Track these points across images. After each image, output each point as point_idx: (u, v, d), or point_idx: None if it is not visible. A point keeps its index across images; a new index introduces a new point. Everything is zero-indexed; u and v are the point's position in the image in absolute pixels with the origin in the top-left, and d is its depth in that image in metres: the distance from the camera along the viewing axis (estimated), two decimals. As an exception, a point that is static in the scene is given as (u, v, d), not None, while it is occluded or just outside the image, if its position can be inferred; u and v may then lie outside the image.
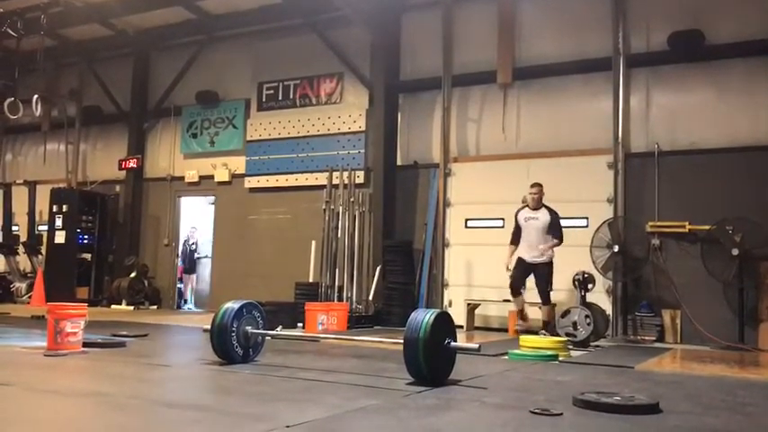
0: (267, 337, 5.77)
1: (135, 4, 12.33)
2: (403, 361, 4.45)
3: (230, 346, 5.14)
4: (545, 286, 8.50)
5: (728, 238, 8.63)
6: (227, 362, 5.14)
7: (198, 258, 14.61)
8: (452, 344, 4.60)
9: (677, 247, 9.35)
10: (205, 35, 13.59)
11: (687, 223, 9.18)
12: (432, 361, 4.41)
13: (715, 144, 9.25)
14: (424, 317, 4.48)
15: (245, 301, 5.33)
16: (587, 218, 9.78)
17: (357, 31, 11.58)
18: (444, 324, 4.61)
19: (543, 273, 8.45)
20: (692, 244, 9.16)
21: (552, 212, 8.51)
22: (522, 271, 8.55)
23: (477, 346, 4.78)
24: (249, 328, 5.26)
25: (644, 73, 9.84)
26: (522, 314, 8.74)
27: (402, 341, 4.47)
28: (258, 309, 5.41)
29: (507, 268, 8.62)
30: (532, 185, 8.64)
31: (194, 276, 14.23)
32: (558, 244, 8.43)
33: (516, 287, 8.57)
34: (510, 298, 8.77)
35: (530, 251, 8.49)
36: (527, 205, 8.73)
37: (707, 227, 8.90)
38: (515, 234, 8.71)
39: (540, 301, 8.57)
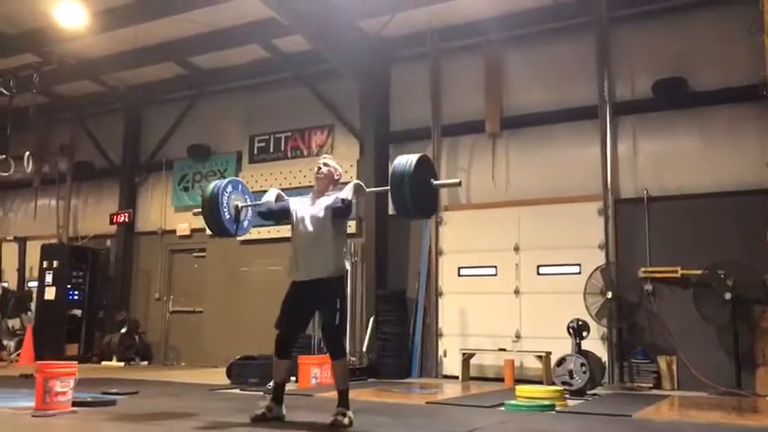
0: (259, 392, 5.73)
1: (126, 61, 12.45)
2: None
3: (222, 218, 5.67)
4: (332, 320, 5.06)
5: (720, 282, 8.63)
6: (220, 235, 5.76)
7: None
8: (435, 182, 5.16)
9: (670, 292, 9.33)
10: (196, 90, 13.72)
11: (679, 268, 9.18)
12: (417, 197, 4.92)
13: (703, 189, 9.33)
14: (408, 159, 4.97)
15: (230, 179, 6.00)
16: (579, 264, 9.77)
17: (347, 83, 11.74)
18: (426, 165, 5.10)
19: (329, 299, 5.13)
20: (685, 289, 9.14)
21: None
22: (295, 304, 5.22)
23: (458, 180, 5.54)
24: (239, 203, 5.83)
25: (630, 120, 9.98)
26: (281, 387, 5.17)
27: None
28: (242, 184, 6.08)
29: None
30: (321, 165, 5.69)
31: None
32: (348, 209, 5.27)
33: (288, 341, 5.21)
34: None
35: (307, 263, 5.22)
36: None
37: (699, 271, 8.91)
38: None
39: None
